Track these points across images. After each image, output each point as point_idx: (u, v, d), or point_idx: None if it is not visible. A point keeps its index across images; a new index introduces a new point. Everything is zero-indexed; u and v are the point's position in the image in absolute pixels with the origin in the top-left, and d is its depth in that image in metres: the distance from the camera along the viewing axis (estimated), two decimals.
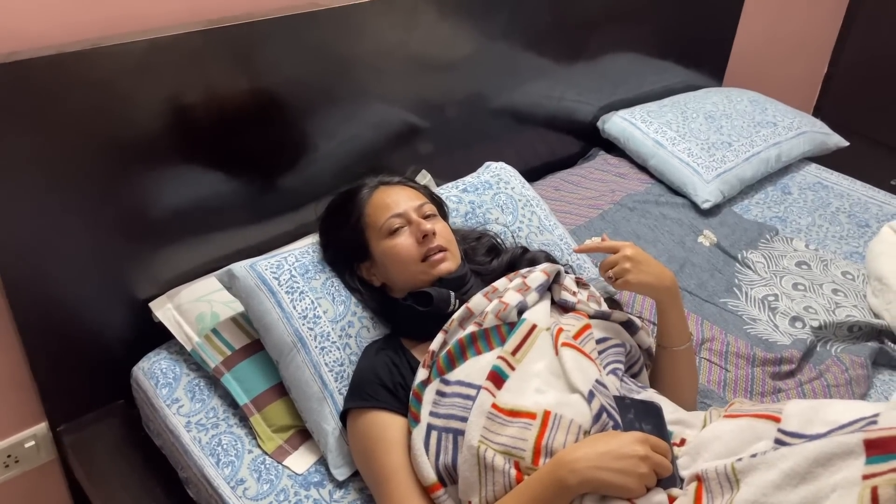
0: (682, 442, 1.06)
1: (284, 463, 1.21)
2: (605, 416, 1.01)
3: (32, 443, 1.47)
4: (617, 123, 2.18)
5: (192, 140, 1.37)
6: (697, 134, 2.13)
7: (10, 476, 1.49)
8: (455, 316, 1.15)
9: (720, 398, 1.39)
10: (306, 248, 1.34)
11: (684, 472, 0.98)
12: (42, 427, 1.47)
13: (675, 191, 2.06)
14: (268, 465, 1.21)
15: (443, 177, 1.75)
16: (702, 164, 2.04)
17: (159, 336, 1.41)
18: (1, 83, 1.11)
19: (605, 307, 1.28)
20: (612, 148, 2.23)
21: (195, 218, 1.44)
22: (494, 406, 1.03)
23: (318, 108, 1.52)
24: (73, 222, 1.28)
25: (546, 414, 1.01)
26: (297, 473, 1.20)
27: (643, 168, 2.15)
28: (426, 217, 1.25)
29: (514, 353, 1.09)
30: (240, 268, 1.28)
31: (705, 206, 1.98)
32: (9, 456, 1.46)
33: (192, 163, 1.39)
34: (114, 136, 1.27)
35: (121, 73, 1.23)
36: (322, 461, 1.22)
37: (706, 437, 1.01)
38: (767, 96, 2.40)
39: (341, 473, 1.19)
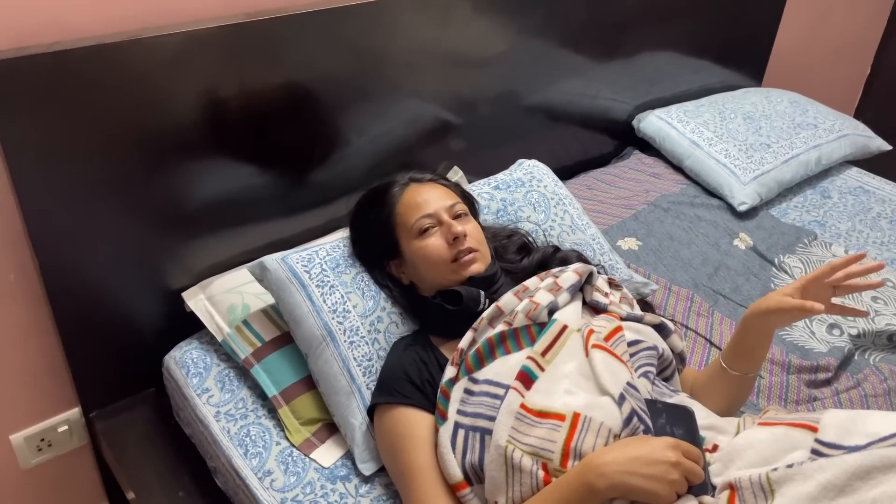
0: (715, 448, 1.04)
1: (311, 456, 1.22)
2: (635, 419, 1.00)
3: (65, 427, 1.50)
4: (653, 123, 2.15)
5: (227, 133, 1.38)
6: (735, 135, 2.09)
7: (43, 459, 1.51)
8: (485, 314, 1.14)
9: (753, 405, 1.36)
10: (337, 242, 1.34)
11: (716, 480, 0.96)
12: (75, 412, 1.49)
13: (711, 192, 2.02)
14: (295, 458, 1.21)
15: (474, 173, 1.73)
16: (739, 165, 2.00)
17: (191, 326, 1.42)
18: (43, 72, 1.13)
19: (637, 309, 1.26)
20: (647, 147, 2.20)
21: (228, 210, 1.45)
22: (523, 406, 1.01)
23: (350, 104, 1.52)
24: (109, 212, 1.29)
25: (575, 416, 0.99)
26: (323, 467, 1.20)
27: (678, 168, 2.11)
28: (457, 217, 1.23)
29: (543, 353, 1.07)
30: (271, 260, 1.29)
31: (742, 208, 1.94)
32: (42, 440, 1.49)
33: (226, 155, 1.40)
34: (150, 127, 1.28)
35: (158, 65, 1.24)
36: (349, 455, 1.22)
37: (740, 445, 0.99)
38: (808, 97, 2.35)
39: (367, 468, 1.18)
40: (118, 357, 1.42)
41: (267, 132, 1.43)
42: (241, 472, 1.19)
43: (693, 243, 1.82)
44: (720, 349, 1.48)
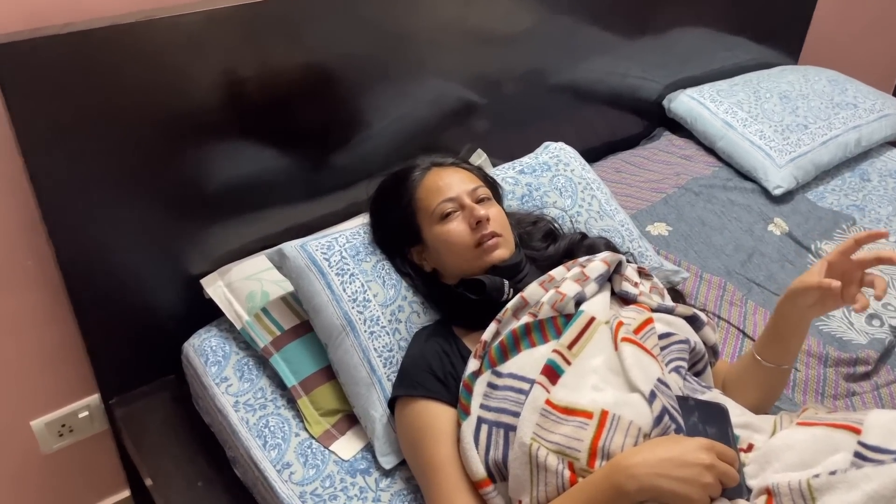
0: (750, 447, 1.00)
1: (331, 448, 1.19)
2: (666, 418, 0.96)
3: (86, 413, 1.50)
4: (684, 102, 2.08)
5: (245, 115, 1.34)
6: (771, 115, 2.01)
7: (64, 445, 1.51)
8: (509, 305, 1.11)
9: (789, 399, 1.31)
10: (357, 229, 1.31)
11: (752, 482, 0.92)
12: (95, 398, 1.49)
13: (745, 175, 1.96)
14: (314, 450, 1.19)
15: (498, 156, 1.70)
16: (775, 147, 1.92)
17: (210, 312, 1.40)
18: (57, 54, 1.10)
19: (668, 300, 1.22)
20: (678, 128, 2.13)
21: (246, 194, 1.41)
22: (548, 402, 0.98)
23: (371, 84, 1.48)
24: (125, 196, 1.27)
25: (603, 413, 0.96)
26: (343, 459, 1.18)
27: (710, 150, 2.04)
28: (480, 201, 1.20)
29: (570, 346, 1.03)
30: (290, 247, 1.26)
31: (777, 192, 1.87)
32: (63, 425, 1.49)
33: (245, 138, 1.36)
34: (167, 109, 1.25)
35: (175, 46, 1.20)
36: (369, 448, 1.19)
37: (777, 445, 0.94)
38: (847, 75, 2.26)
39: (388, 462, 1.16)
40: (137, 343, 1.40)
41: (286, 114, 1.39)
42: (259, 464, 1.17)
43: (726, 228, 1.76)
44: (754, 340, 1.43)
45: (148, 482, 1.26)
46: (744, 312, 1.51)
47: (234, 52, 1.27)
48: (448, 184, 1.19)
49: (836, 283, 0.99)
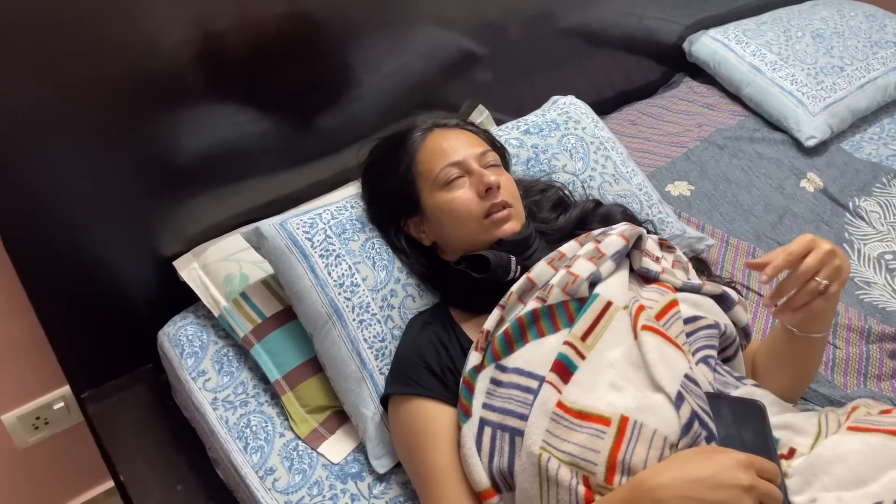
0: (791, 453, 0.88)
1: (319, 450, 1.08)
2: (696, 424, 0.84)
3: (62, 404, 1.40)
4: (707, 45, 1.91)
5: (221, 73, 1.20)
6: (803, 57, 1.83)
7: (41, 438, 1.42)
8: (514, 288, 0.99)
9: (828, 382, 1.18)
10: (344, 203, 1.17)
11: (796, 499, 0.80)
12: (69, 388, 1.38)
13: (774, 125, 1.80)
14: (300, 452, 1.08)
15: (504, 111, 1.56)
16: (807, 92, 1.75)
17: (188, 295, 1.27)
18: (10, 7, 0.95)
19: (693, 275, 1.09)
20: (700, 73, 1.97)
21: (223, 163, 1.27)
22: (560, 405, 0.87)
23: (361, 35, 1.34)
24: (86, 168, 1.13)
25: (623, 420, 0.84)
26: (332, 463, 1.07)
27: (736, 98, 1.88)
28: (489, 167, 1.08)
29: (584, 337, 0.91)
30: (268, 226, 1.13)
31: (810, 143, 1.71)
32: (37, 418, 1.39)
33: (220, 99, 1.22)
34: (134, 68, 1.11)
35: None
36: (361, 448, 1.08)
37: (825, 457, 0.82)
38: (887, 10, 2.05)
39: (382, 465, 1.05)
40: (107, 332, 1.27)
41: (267, 70, 1.25)
42: (240, 469, 1.06)
43: (753, 186, 1.61)
44: None
45: (123, 488, 1.16)
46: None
47: (208, 1, 1.12)
48: (453, 146, 1.08)
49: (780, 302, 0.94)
